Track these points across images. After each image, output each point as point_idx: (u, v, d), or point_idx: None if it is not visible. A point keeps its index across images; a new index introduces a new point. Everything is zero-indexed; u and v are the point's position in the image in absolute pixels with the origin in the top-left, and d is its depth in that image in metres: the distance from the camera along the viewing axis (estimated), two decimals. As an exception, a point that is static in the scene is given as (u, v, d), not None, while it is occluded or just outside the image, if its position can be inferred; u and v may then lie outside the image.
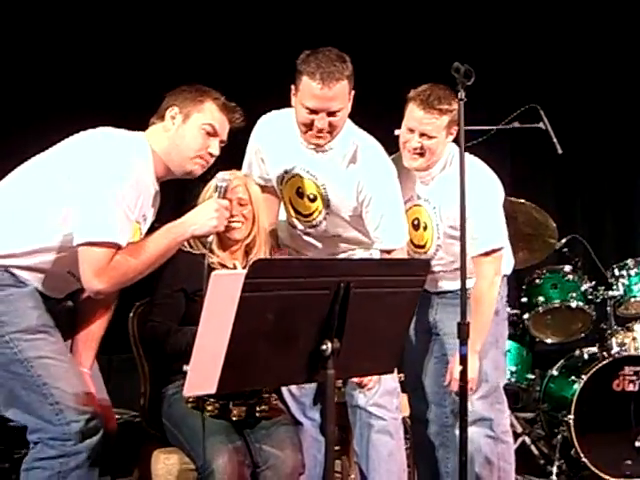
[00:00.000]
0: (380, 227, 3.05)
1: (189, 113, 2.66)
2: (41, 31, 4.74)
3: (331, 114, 2.88)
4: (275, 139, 3.09)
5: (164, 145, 2.66)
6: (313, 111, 2.87)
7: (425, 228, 3.23)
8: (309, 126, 2.91)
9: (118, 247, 2.48)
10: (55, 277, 2.60)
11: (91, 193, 2.47)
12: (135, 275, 2.53)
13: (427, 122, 3.06)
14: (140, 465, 3.01)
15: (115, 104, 4.58)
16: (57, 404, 2.48)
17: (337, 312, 2.10)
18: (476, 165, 3.21)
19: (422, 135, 3.08)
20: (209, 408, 2.79)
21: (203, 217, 2.64)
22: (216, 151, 2.70)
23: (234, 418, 2.80)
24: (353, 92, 2.93)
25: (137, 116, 2.77)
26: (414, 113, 3.07)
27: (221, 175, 2.81)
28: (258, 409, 2.85)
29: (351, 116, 3.02)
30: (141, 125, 2.73)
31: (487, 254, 3.17)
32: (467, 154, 3.14)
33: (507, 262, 3.37)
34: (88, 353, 2.78)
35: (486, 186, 3.18)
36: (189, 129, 2.65)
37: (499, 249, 3.19)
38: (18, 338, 2.49)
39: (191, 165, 2.68)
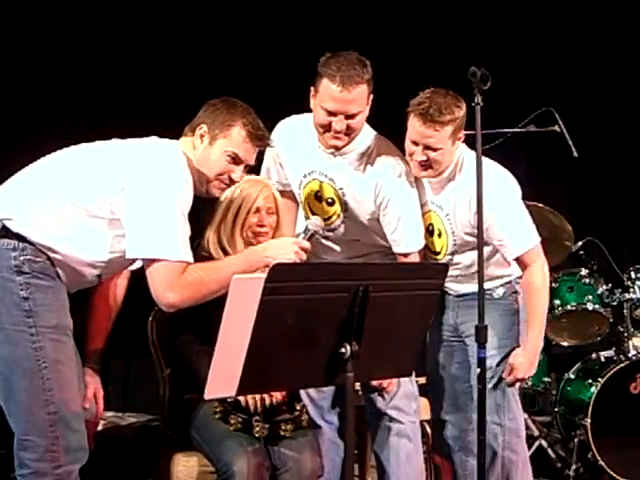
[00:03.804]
0: (397, 230, 3.06)
1: (216, 136, 2.62)
2: (50, 37, 4.72)
3: (349, 117, 2.89)
4: (293, 144, 3.11)
5: (193, 160, 2.63)
6: (332, 113, 2.88)
7: (440, 235, 3.16)
8: (327, 128, 2.92)
9: (187, 262, 2.47)
10: (85, 279, 2.59)
11: (149, 205, 2.44)
12: (208, 293, 2.51)
13: (429, 135, 2.95)
14: (159, 467, 3.03)
15: (127, 112, 4.61)
16: (54, 414, 2.40)
17: (356, 315, 2.11)
18: (487, 166, 3.05)
19: (426, 148, 2.97)
20: (232, 422, 2.81)
21: (282, 252, 2.64)
22: (238, 177, 2.67)
23: (257, 435, 2.81)
24: (372, 96, 2.94)
25: (149, 125, 2.75)
26: (415, 127, 2.96)
27: (314, 219, 2.88)
28: (283, 427, 2.86)
29: (368, 120, 3.03)
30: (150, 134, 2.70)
31: (526, 253, 3.08)
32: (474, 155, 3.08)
33: None
34: (96, 347, 2.76)
35: (502, 188, 3.08)
36: (214, 152, 2.63)
37: (535, 245, 3.11)
38: (44, 333, 2.41)
39: (210, 187, 2.66)
